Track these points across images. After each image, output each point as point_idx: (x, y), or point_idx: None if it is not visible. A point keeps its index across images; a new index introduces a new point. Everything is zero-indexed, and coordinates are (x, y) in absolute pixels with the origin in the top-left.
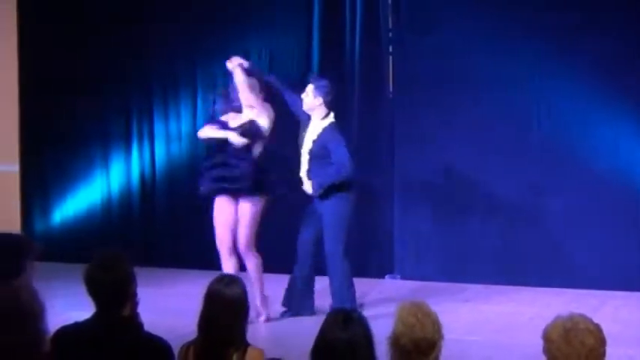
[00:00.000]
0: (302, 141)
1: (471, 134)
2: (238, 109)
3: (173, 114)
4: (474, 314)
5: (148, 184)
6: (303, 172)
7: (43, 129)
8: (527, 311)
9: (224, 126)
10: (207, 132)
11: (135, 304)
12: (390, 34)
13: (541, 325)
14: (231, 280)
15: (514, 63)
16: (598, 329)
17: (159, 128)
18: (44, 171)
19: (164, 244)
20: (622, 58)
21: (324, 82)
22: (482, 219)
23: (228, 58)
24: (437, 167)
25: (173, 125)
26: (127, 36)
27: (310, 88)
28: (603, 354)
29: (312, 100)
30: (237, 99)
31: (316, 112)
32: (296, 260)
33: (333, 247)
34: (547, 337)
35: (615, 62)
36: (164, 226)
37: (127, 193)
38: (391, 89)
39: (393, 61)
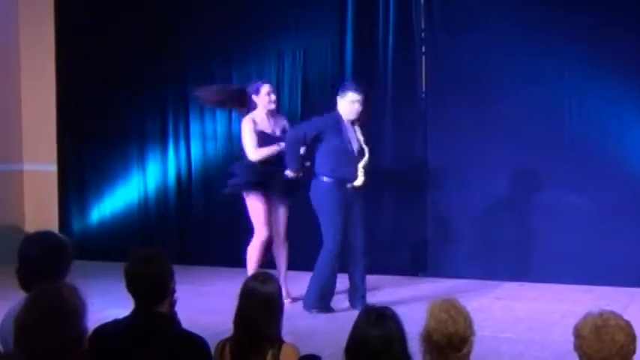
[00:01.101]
0: (346, 143)
1: (503, 132)
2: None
3: (209, 113)
4: (506, 311)
5: (183, 182)
6: (359, 169)
7: (80, 129)
8: (559, 308)
9: (268, 136)
10: (263, 152)
11: (173, 301)
12: (423, 34)
13: (572, 322)
14: (266, 277)
15: (545, 61)
16: (628, 325)
17: (194, 127)
18: (82, 170)
19: (200, 243)
20: None
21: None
22: (513, 216)
23: (262, 57)
24: (470, 166)
25: (209, 124)
26: (164, 36)
27: (361, 97)
28: (634, 350)
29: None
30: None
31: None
32: (353, 258)
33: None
34: (578, 334)
35: None
36: (200, 224)
37: (163, 192)
38: (424, 88)
39: (425, 60)
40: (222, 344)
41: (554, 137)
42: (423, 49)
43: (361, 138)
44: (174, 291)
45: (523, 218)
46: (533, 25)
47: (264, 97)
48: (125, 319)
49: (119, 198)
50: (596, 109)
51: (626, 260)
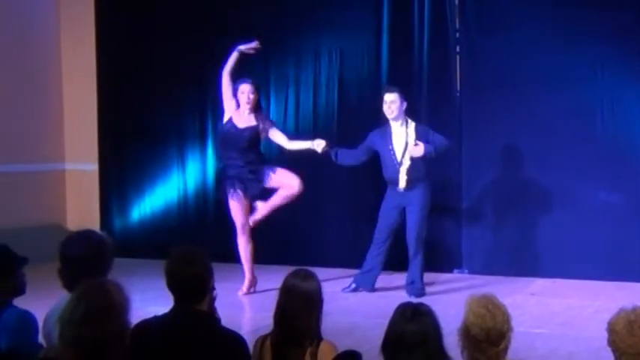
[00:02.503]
0: (388, 148)
1: (536, 132)
2: None
3: None
4: (540, 307)
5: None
6: (402, 172)
7: (121, 128)
8: (592, 304)
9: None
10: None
11: (212, 299)
12: (457, 35)
13: (605, 317)
14: (306, 274)
15: (577, 60)
16: None
17: None
18: (122, 169)
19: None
20: None
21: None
22: (546, 213)
23: (300, 57)
24: (503, 164)
25: None
26: (201, 37)
27: (396, 95)
28: None
29: (399, 106)
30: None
31: (401, 118)
32: (410, 254)
33: (422, 233)
34: (612, 329)
35: None
36: None
37: (202, 190)
38: (458, 88)
39: (460, 60)
40: (262, 340)
41: (587, 136)
42: (458, 49)
43: (412, 138)
44: (213, 288)
45: (556, 215)
46: (565, 24)
47: (240, 96)
48: (165, 316)
49: (159, 196)
50: (629, 109)
51: None
